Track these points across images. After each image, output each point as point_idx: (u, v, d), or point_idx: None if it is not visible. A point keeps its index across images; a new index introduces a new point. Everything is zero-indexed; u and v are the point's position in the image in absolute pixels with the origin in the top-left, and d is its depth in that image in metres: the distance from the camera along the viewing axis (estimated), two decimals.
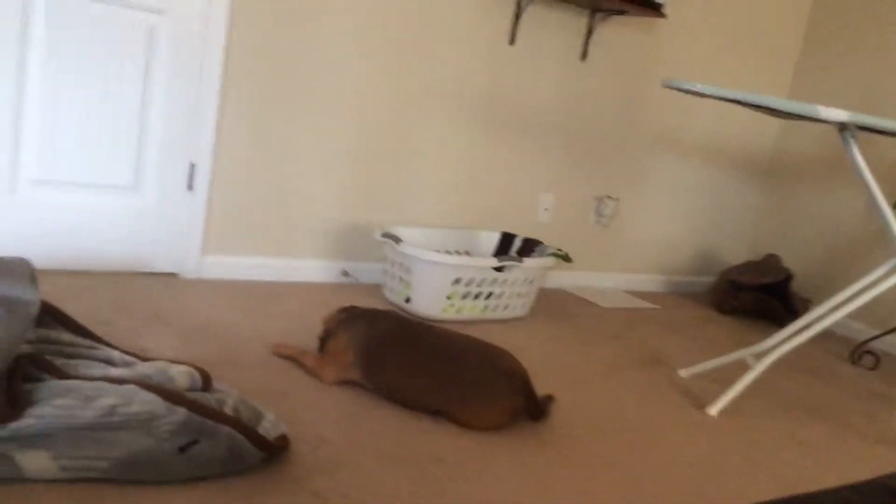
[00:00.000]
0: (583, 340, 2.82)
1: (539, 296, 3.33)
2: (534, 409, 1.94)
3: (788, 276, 3.61)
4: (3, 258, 1.54)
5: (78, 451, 1.36)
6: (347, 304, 2.21)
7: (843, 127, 2.24)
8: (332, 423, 1.77)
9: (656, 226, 3.86)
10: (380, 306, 2.71)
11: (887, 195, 3.43)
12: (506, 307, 2.86)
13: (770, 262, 3.77)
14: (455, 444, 1.78)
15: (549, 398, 2.09)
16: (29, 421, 1.35)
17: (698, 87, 2.19)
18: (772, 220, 4.11)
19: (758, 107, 2.20)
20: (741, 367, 2.68)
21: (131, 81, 2.45)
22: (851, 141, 2.25)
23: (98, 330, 2.04)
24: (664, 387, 2.47)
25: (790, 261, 3.96)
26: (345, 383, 2.00)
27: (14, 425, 1.33)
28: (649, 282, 3.93)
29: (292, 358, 2.09)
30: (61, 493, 1.32)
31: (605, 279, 3.77)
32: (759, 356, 2.41)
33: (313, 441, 1.67)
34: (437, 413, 1.89)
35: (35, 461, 1.32)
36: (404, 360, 1.91)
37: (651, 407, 2.27)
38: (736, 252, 4.20)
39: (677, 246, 3.98)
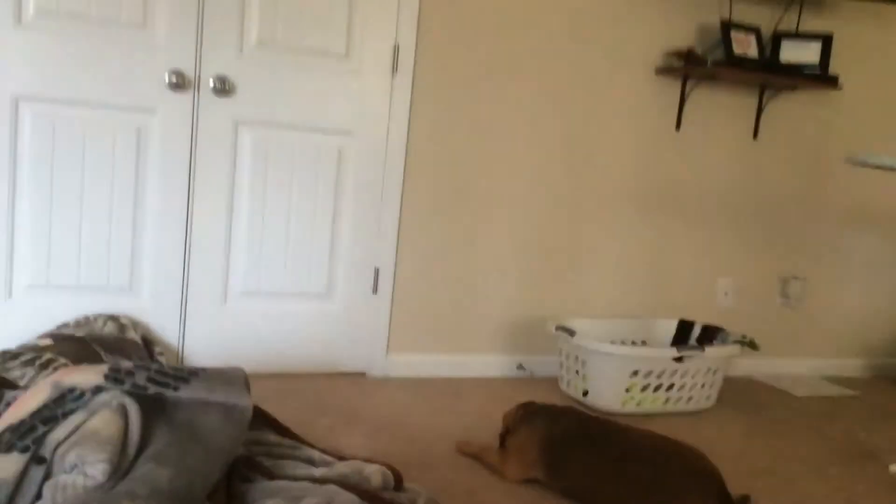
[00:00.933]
0: (776, 433, 2.65)
1: (725, 386, 3.17)
2: None
3: None
4: (222, 368, 1.73)
5: None
6: (525, 399, 2.24)
7: None
8: None
9: (851, 304, 3.59)
10: (557, 401, 2.70)
11: None
12: (689, 399, 2.76)
13: None
14: None
15: (746, 499, 1.98)
16: None
17: (888, 161, 2.08)
18: None
19: None
20: None
21: (324, 198, 2.70)
22: None
23: (298, 430, 2.20)
24: (875, 486, 2.25)
25: None
26: (529, 482, 2.01)
27: None
28: (847, 366, 3.62)
29: (475, 455, 2.14)
30: None
31: (797, 365, 3.53)
32: None
33: None
34: None
35: None
36: (591, 461, 1.89)
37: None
38: None
39: (877, 325, 3.66)
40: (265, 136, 2.62)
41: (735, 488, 2.07)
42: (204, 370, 1.67)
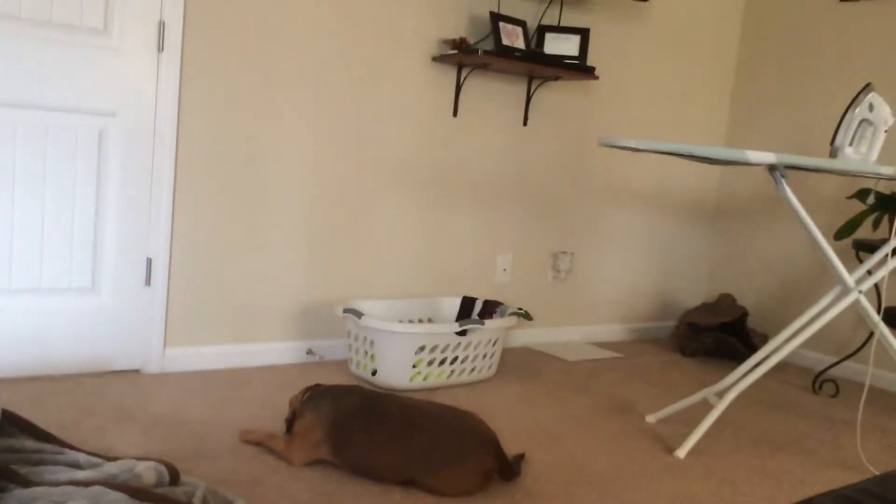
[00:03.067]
0: (551, 396, 2.86)
1: (504, 356, 3.37)
2: (505, 470, 1.96)
3: (743, 314, 3.72)
4: None
5: None
6: (313, 383, 2.23)
7: (772, 168, 2.37)
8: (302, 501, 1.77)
9: (613, 276, 3.96)
10: (347, 382, 2.72)
11: (826, 226, 3.58)
12: (472, 370, 2.89)
13: (724, 302, 3.87)
14: None
15: (520, 457, 2.12)
16: None
17: (633, 143, 2.30)
18: (723, 259, 4.24)
19: (693, 157, 2.33)
20: (705, 407, 2.73)
21: (84, 184, 2.49)
22: (782, 181, 2.38)
23: (62, 433, 2.03)
24: (633, 434, 2.51)
25: (744, 298, 4.07)
26: (315, 463, 2.00)
27: None
28: (612, 331, 4.00)
29: (260, 443, 2.09)
30: None
31: (568, 333, 3.83)
32: (721, 394, 2.47)
33: None
34: (409, 484, 1.90)
35: None
36: (372, 434, 1.92)
37: (621, 455, 2.30)
38: (693, 294, 4.31)
39: (636, 294, 4.07)
40: (12, 118, 2.36)
41: (512, 447, 2.21)
42: None
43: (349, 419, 1.96)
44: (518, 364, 3.29)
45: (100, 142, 2.51)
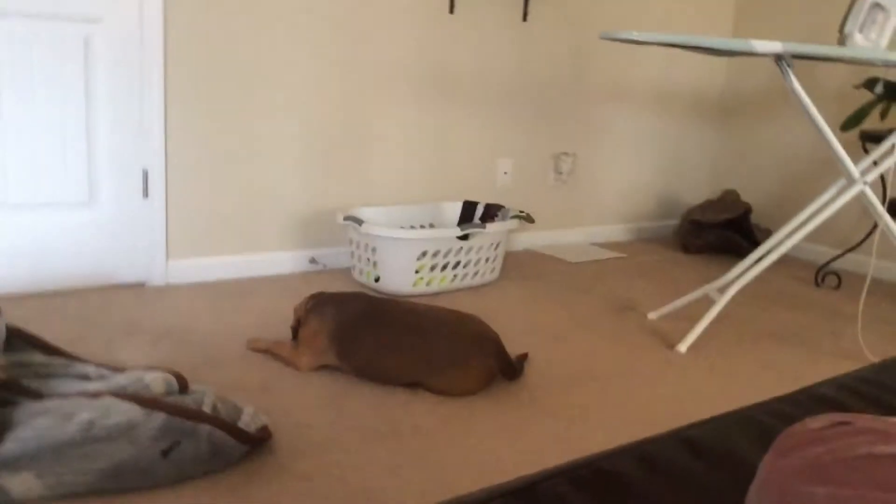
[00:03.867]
0: (553, 297, 2.88)
1: (507, 259, 3.37)
2: (507, 369, 1.99)
3: (747, 210, 3.69)
4: None
5: (62, 468, 1.39)
6: (317, 291, 2.24)
7: (779, 58, 2.29)
8: (313, 409, 1.81)
9: (616, 176, 3.92)
10: (349, 290, 2.73)
11: (833, 119, 3.50)
12: (475, 274, 2.90)
13: (728, 199, 3.84)
14: (434, 413, 1.83)
15: (523, 357, 2.15)
16: (10, 445, 1.37)
17: (635, 35, 2.22)
18: (727, 157, 4.18)
19: (697, 48, 2.25)
20: (707, 304, 2.74)
21: (74, 94, 2.43)
22: (788, 70, 2.30)
23: (71, 347, 2.05)
24: (635, 331, 2.54)
25: (748, 195, 4.04)
26: (322, 369, 2.03)
27: None
28: (615, 231, 3.99)
29: (267, 350, 2.12)
30: None
31: (570, 235, 3.82)
32: (722, 290, 2.47)
33: (295, 428, 1.71)
34: (413, 385, 1.94)
35: (21, 483, 1.35)
36: (376, 339, 1.94)
37: (623, 352, 2.33)
38: (696, 192, 4.27)
39: (639, 193, 4.04)
40: None
41: (515, 348, 2.24)
42: None
43: (354, 324, 1.98)
44: (521, 267, 3.30)
45: (86, 50, 2.43)
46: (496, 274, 3.02)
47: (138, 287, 2.66)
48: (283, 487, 1.47)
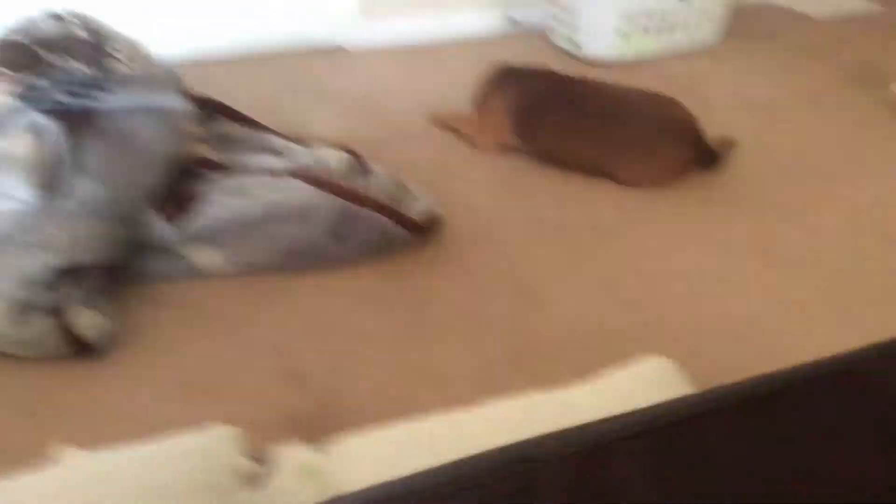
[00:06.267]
0: (783, 65, 2.48)
1: (737, 17, 2.91)
2: (705, 157, 1.78)
3: None
4: (152, 70, 1.61)
5: (245, 246, 1.49)
6: (507, 60, 2.09)
7: None
8: (487, 193, 1.76)
9: None
10: (548, 57, 2.54)
11: None
12: (690, 40, 2.55)
13: None
14: (616, 208, 1.71)
15: (727, 143, 1.90)
16: (200, 221, 1.49)
17: None
18: None
19: None
20: None
21: None
22: None
23: (263, 115, 2.08)
24: (872, 112, 2.13)
25: None
26: (506, 150, 1.94)
27: (188, 225, 1.47)
28: None
29: (449, 126, 2.06)
30: (232, 283, 1.47)
31: None
32: None
33: (466, 214, 1.68)
34: (597, 173, 1.81)
35: (206, 257, 1.48)
36: (561, 121, 1.80)
37: (852, 140, 1.98)
38: None
39: None
40: None
41: (718, 129, 1.97)
42: (131, 76, 1.56)
43: (537, 104, 1.84)
44: (750, 26, 2.83)
45: None
46: (718, 35, 2.63)
47: (334, 51, 2.65)
48: (447, 277, 1.48)
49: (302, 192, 1.56)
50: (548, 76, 1.90)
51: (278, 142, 1.81)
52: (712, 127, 1.99)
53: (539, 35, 2.79)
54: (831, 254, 1.53)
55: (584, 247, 1.57)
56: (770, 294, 1.43)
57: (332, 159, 1.71)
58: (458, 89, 2.33)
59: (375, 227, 1.53)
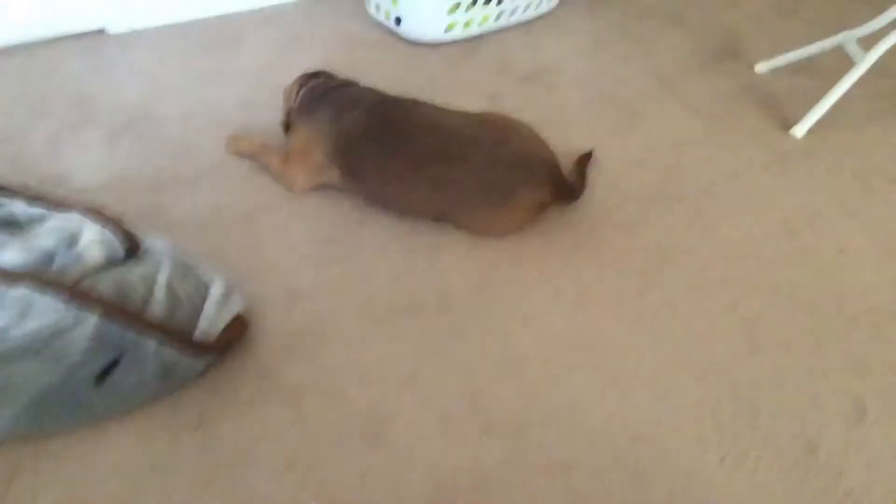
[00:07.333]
0: (629, 35, 2.21)
1: None
2: (566, 193, 1.48)
3: None
4: None
5: None
6: (314, 69, 1.66)
7: None
8: (308, 262, 1.38)
9: None
10: (363, 30, 2.12)
11: None
12: (526, 7, 2.22)
13: None
14: (464, 268, 1.39)
15: (586, 158, 1.62)
16: None
17: None
18: None
19: None
20: (839, 60, 1.98)
21: None
22: None
23: (6, 151, 1.59)
24: (736, 97, 1.93)
25: None
26: (324, 188, 1.55)
27: None
28: None
29: (253, 157, 1.63)
30: None
31: None
32: (865, 44, 1.79)
33: (285, 299, 1.30)
34: (441, 219, 1.47)
35: None
36: (390, 160, 1.41)
37: (717, 141, 1.76)
38: None
39: None
40: None
41: (572, 131, 1.68)
42: None
43: (360, 136, 1.44)
44: None
45: None
46: (553, 3, 2.32)
47: (96, 36, 2.07)
48: (262, 414, 1.12)
49: (41, 307, 1.11)
50: (369, 97, 1.49)
51: (19, 206, 1.32)
52: (565, 128, 1.70)
53: (353, 4, 2.35)
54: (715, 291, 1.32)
55: (435, 337, 1.24)
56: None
57: (87, 240, 1.25)
58: (257, 90, 1.88)
59: (152, 358, 1.11)
